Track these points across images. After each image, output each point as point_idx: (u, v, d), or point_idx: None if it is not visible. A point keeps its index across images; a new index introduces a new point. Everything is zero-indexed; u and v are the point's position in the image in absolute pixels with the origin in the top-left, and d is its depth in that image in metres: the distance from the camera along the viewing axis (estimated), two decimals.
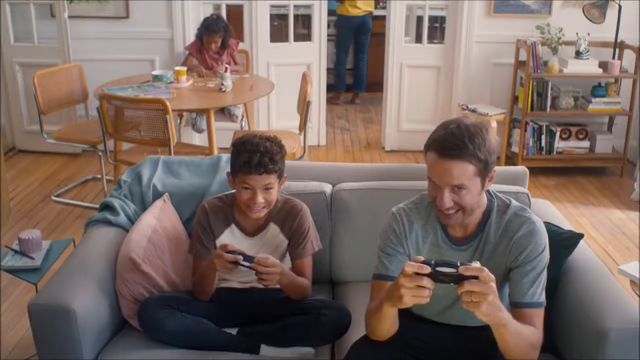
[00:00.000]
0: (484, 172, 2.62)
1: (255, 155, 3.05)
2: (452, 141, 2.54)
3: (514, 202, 2.84)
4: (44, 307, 2.91)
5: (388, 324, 2.64)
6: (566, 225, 3.53)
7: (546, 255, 2.71)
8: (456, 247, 2.80)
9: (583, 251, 3.31)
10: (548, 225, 3.03)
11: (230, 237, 3.29)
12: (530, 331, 2.59)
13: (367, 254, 3.52)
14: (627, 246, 5.74)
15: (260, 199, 3.12)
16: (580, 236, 3.27)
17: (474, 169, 2.57)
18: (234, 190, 3.29)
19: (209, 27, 6.69)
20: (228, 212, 3.33)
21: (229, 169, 3.72)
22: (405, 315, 2.78)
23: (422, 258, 2.30)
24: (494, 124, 6.84)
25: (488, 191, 2.81)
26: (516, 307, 2.66)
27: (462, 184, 2.58)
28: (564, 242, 3.22)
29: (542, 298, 2.69)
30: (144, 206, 3.66)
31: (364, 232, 3.62)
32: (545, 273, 2.70)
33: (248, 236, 3.32)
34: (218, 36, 6.69)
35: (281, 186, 3.29)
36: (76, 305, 2.88)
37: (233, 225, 3.31)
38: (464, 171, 2.56)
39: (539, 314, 2.68)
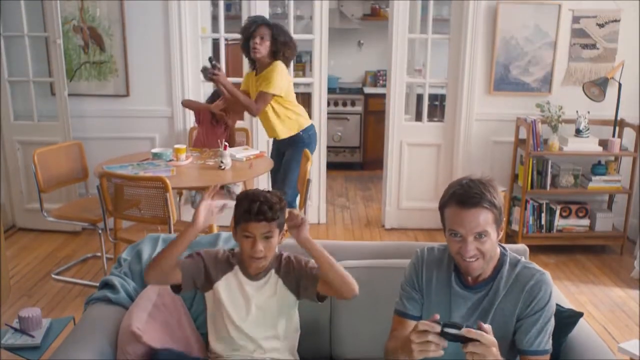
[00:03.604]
0: (499, 220, 2.83)
1: (255, 203, 3.15)
2: (472, 191, 2.77)
3: (523, 259, 3.01)
4: None
5: None
6: (566, 303, 3.53)
7: (553, 304, 2.90)
8: (467, 290, 2.97)
9: (583, 329, 3.30)
10: None
11: (234, 279, 3.33)
12: None
13: (367, 331, 3.54)
14: (627, 324, 5.68)
15: (260, 246, 3.17)
16: (579, 315, 3.26)
17: (492, 216, 2.79)
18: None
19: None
20: (232, 258, 3.39)
21: (227, 246, 3.75)
22: None
23: (436, 317, 2.56)
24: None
25: (501, 246, 3.01)
26: (524, 355, 2.87)
27: (484, 231, 2.78)
28: (563, 321, 3.20)
29: (549, 345, 2.88)
30: (143, 285, 3.63)
31: (364, 309, 3.60)
32: (552, 321, 2.89)
33: (249, 280, 3.34)
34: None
35: (281, 239, 3.33)
36: None
37: (237, 267, 3.35)
38: (485, 218, 2.78)
39: None
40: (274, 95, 6.19)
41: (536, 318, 2.85)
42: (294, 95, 6.52)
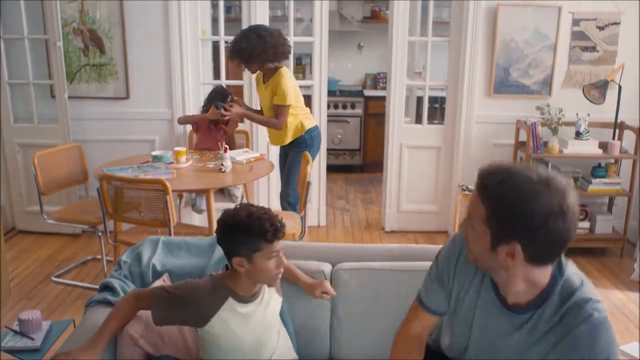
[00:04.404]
0: (495, 231, 2.30)
1: (273, 221, 2.97)
2: (483, 177, 2.34)
3: (583, 290, 2.41)
4: None
5: None
6: None
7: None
8: (504, 309, 2.52)
9: None
10: None
11: (229, 310, 3.13)
12: None
13: (367, 334, 3.53)
14: (627, 327, 5.67)
15: (284, 259, 3.07)
16: None
17: (484, 213, 2.30)
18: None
19: (222, 92, 6.81)
20: (219, 288, 3.16)
21: None
22: None
23: None
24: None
25: (559, 269, 2.44)
26: None
27: (470, 216, 2.39)
28: None
29: None
30: (143, 286, 3.61)
31: (364, 311, 3.59)
32: None
33: (246, 303, 3.18)
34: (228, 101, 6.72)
35: None
36: None
37: (230, 298, 3.14)
38: (476, 206, 2.34)
39: None
40: (289, 105, 6.27)
41: None
42: (301, 97, 6.57)
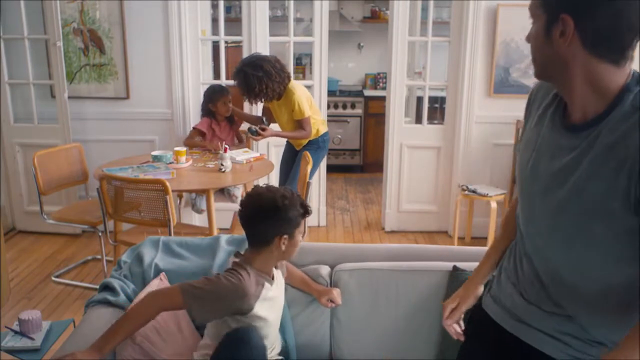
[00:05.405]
0: (548, 13, 2.11)
1: (302, 199, 3.17)
2: None
3: None
4: None
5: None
6: None
7: None
8: (562, 130, 2.13)
9: None
10: None
11: (265, 294, 3.12)
12: None
13: (367, 334, 3.52)
14: None
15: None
16: None
17: None
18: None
19: (221, 89, 6.91)
20: (259, 276, 3.14)
21: (228, 249, 3.70)
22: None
23: None
24: (493, 205, 6.83)
25: (638, 80, 1.97)
26: None
27: (531, 14, 2.17)
28: None
29: None
30: (144, 286, 3.62)
31: (364, 311, 3.59)
32: None
33: (272, 286, 3.20)
34: (230, 96, 6.78)
35: None
36: None
37: (266, 283, 3.16)
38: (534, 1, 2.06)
39: None
40: (309, 115, 6.48)
41: None
42: (314, 102, 6.79)
